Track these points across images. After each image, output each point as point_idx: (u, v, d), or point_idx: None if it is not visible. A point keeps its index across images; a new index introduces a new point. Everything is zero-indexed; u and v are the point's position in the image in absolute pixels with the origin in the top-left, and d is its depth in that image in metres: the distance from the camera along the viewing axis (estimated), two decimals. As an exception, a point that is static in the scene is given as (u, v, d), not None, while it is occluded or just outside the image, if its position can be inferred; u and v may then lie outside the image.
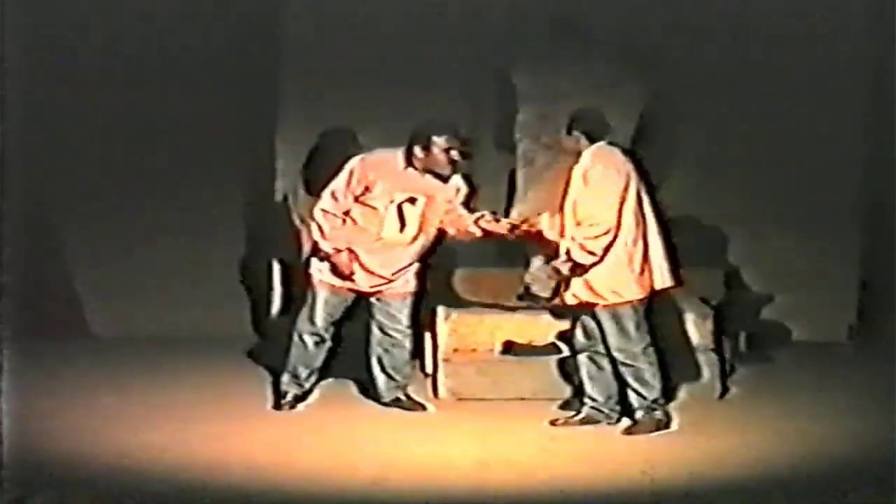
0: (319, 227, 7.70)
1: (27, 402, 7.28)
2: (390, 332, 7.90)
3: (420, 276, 7.93)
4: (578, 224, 7.21)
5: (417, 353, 8.25)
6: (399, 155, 7.75)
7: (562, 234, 7.35)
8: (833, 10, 9.39)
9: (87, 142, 9.60)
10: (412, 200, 7.76)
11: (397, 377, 7.95)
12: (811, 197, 9.61)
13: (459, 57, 9.46)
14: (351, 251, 7.71)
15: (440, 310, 8.38)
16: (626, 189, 7.20)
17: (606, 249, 7.17)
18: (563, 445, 7.13)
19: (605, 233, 7.15)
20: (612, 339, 7.32)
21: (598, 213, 7.16)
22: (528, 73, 8.98)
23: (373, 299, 7.88)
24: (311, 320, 7.84)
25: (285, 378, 7.91)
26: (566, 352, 8.10)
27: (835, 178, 9.66)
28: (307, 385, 7.92)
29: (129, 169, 9.63)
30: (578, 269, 7.23)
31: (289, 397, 7.86)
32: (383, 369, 7.94)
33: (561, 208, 7.36)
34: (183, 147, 9.59)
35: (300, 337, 7.88)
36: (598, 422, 7.49)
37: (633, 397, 7.37)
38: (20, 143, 8.57)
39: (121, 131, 9.58)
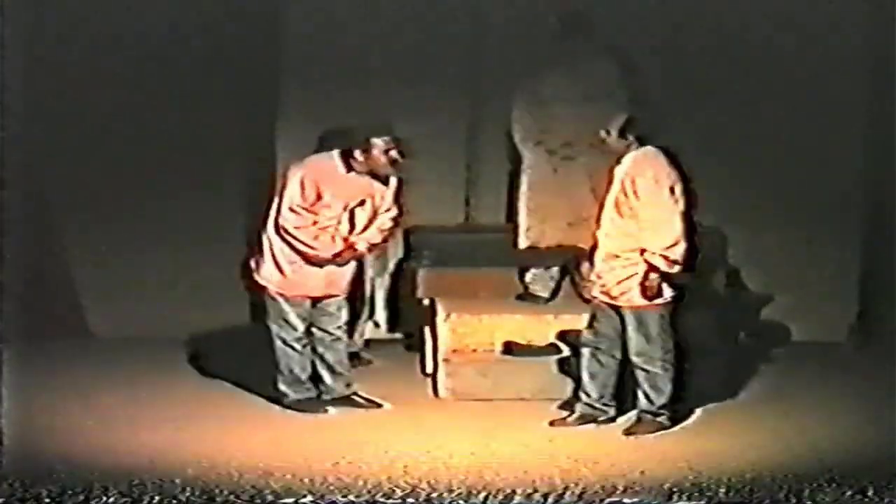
0: (305, 244, 7.73)
1: (27, 402, 7.29)
2: (330, 330, 7.95)
3: (355, 277, 8.02)
4: (638, 230, 7.24)
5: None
6: (337, 160, 7.80)
7: (598, 226, 7.39)
8: (833, 9, 9.39)
9: (87, 142, 9.59)
10: (362, 203, 7.83)
11: (342, 370, 7.97)
12: (811, 197, 9.61)
13: (459, 57, 9.46)
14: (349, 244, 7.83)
15: (440, 310, 8.39)
16: (671, 195, 7.21)
17: (686, 255, 7.18)
18: (563, 445, 7.13)
19: (676, 242, 7.16)
20: (634, 341, 7.32)
21: (665, 222, 7.16)
22: (532, 76, 8.99)
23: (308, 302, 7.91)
24: (291, 325, 7.82)
25: (287, 387, 7.84)
26: (566, 352, 8.10)
27: (835, 178, 9.66)
28: (314, 388, 7.91)
29: (129, 169, 9.62)
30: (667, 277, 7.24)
31: (305, 403, 7.83)
32: (328, 366, 7.96)
33: (601, 206, 7.38)
34: (183, 147, 9.58)
35: (287, 343, 7.83)
36: (594, 419, 7.49)
37: (642, 401, 7.37)
38: (20, 143, 8.58)
39: (121, 131, 9.58)
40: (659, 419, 7.36)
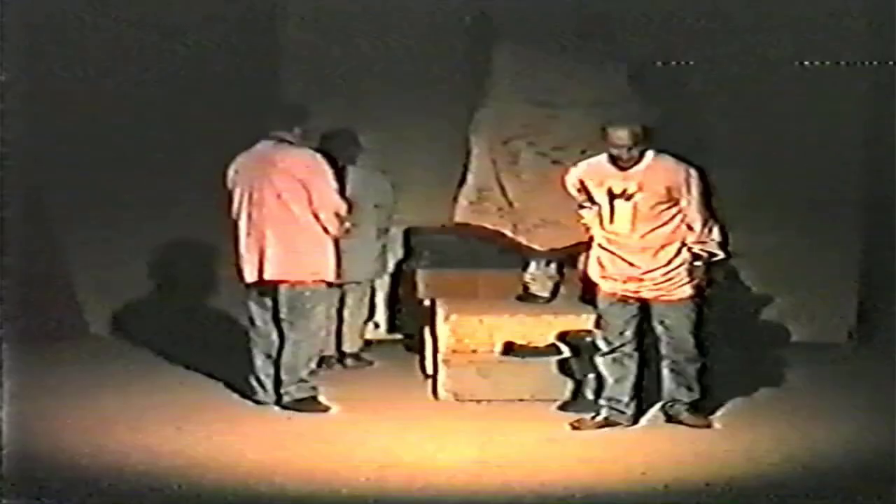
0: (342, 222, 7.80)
1: (27, 402, 7.29)
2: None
3: None
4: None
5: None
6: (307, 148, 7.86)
7: (633, 228, 7.32)
8: (834, 8, 9.40)
9: (87, 142, 9.60)
10: None
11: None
12: (811, 196, 9.61)
13: (459, 57, 9.46)
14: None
15: (440, 311, 8.39)
16: (699, 192, 7.24)
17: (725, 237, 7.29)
18: (563, 446, 7.13)
19: (712, 229, 7.24)
20: (675, 335, 7.29)
21: (703, 216, 7.24)
22: (522, 74, 8.99)
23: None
24: (319, 322, 7.84)
25: (294, 387, 7.81)
26: (566, 352, 8.10)
27: (835, 178, 9.66)
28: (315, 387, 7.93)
29: (128, 169, 9.62)
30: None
31: (305, 402, 7.81)
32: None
33: (634, 211, 7.31)
34: (183, 148, 9.58)
35: (311, 340, 7.81)
36: (618, 423, 7.45)
37: (682, 394, 7.38)
38: (20, 143, 8.57)
39: (120, 132, 9.58)
40: (697, 413, 7.40)
